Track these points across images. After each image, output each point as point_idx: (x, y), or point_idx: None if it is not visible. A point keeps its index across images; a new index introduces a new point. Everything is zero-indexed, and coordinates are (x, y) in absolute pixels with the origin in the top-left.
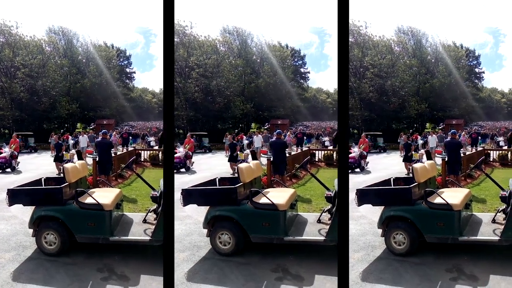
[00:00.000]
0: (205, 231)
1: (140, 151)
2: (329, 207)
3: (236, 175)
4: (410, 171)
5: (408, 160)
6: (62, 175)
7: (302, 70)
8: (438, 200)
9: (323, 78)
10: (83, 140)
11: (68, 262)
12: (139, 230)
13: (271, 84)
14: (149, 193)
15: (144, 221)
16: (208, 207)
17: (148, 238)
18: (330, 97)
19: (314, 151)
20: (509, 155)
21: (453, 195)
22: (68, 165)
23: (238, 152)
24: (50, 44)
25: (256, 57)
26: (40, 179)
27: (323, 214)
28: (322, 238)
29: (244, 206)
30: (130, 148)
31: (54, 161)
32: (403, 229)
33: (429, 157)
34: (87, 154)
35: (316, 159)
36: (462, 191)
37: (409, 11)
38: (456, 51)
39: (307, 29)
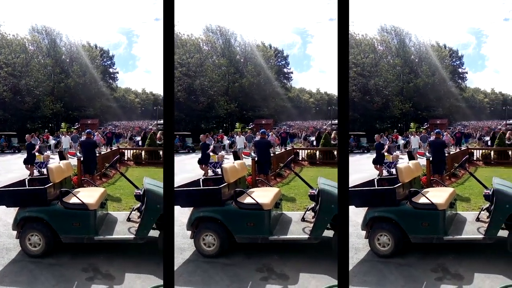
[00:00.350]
0: (189, 232)
1: (123, 150)
2: (313, 205)
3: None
4: (382, 174)
5: (379, 162)
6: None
7: (285, 70)
8: (422, 200)
9: (306, 78)
10: (66, 140)
11: (52, 263)
12: (124, 228)
13: (255, 84)
14: (133, 191)
15: (128, 219)
16: (191, 208)
17: (132, 236)
18: (312, 97)
19: (298, 150)
20: (492, 154)
21: (437, 195)
22: (52, 165)
23: (211, 154)
24: (34, 43)
25: (240, 57)
26: (24, 179)
27: (307, 212)
28: (306, 236)
29: (229, 207)
30: (114, 148)
31: (24, 163)
32: (388, 230)
33: (411, 158)
34: (69, 156)
35: (300, 158)
36: (447, 190)
37: (393, 10)
38: (439, 51)
39: (289, 29)
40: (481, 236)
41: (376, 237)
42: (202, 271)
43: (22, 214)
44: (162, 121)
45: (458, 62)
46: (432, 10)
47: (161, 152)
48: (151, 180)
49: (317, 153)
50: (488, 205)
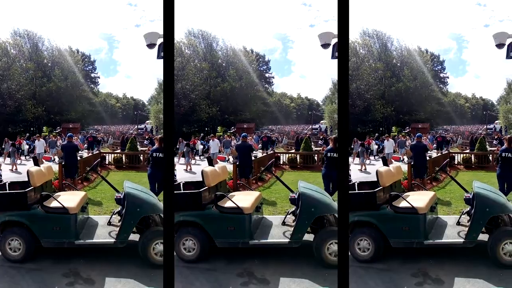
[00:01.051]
0: None
1: (104, 154)
2: (293, 209)
3: None
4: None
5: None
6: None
7: (266, 75)
8: (403, 204)
9: (287, 83)
10: (39, 145)
11: (33, 268)
12: (104, 232)
13: (62, 88)
14: (113, 195)
15: (109, 223)
16: None
17: (112, 240)
18: (293, 102)
19: (279, 154)
20: (473, 158)
21: (418, 198)
22: (32, 169)
23: None
24: (15, 47)
25: (221, 61)
26: (4, 183)
27: (288, 216)
28: (287, 240)
29: (209, 211)
30: (95, 152)
31: None
32: (368, 234)
33: (385, 164)
34: (44, 161)
35: (281, 162)
36: (427, 194)
37: (374, 14)
38: (421, 56)
39: (271, 34)
40: (461, 240)
41: (356, 242)
42: (182, 277)
43: (2, 219)
44: (142, 126)
45: (440, 66)
46: (414, 15)
47: (141, 157)
48: (131, 184)
49: (297, 157)
50: (468, 209)
